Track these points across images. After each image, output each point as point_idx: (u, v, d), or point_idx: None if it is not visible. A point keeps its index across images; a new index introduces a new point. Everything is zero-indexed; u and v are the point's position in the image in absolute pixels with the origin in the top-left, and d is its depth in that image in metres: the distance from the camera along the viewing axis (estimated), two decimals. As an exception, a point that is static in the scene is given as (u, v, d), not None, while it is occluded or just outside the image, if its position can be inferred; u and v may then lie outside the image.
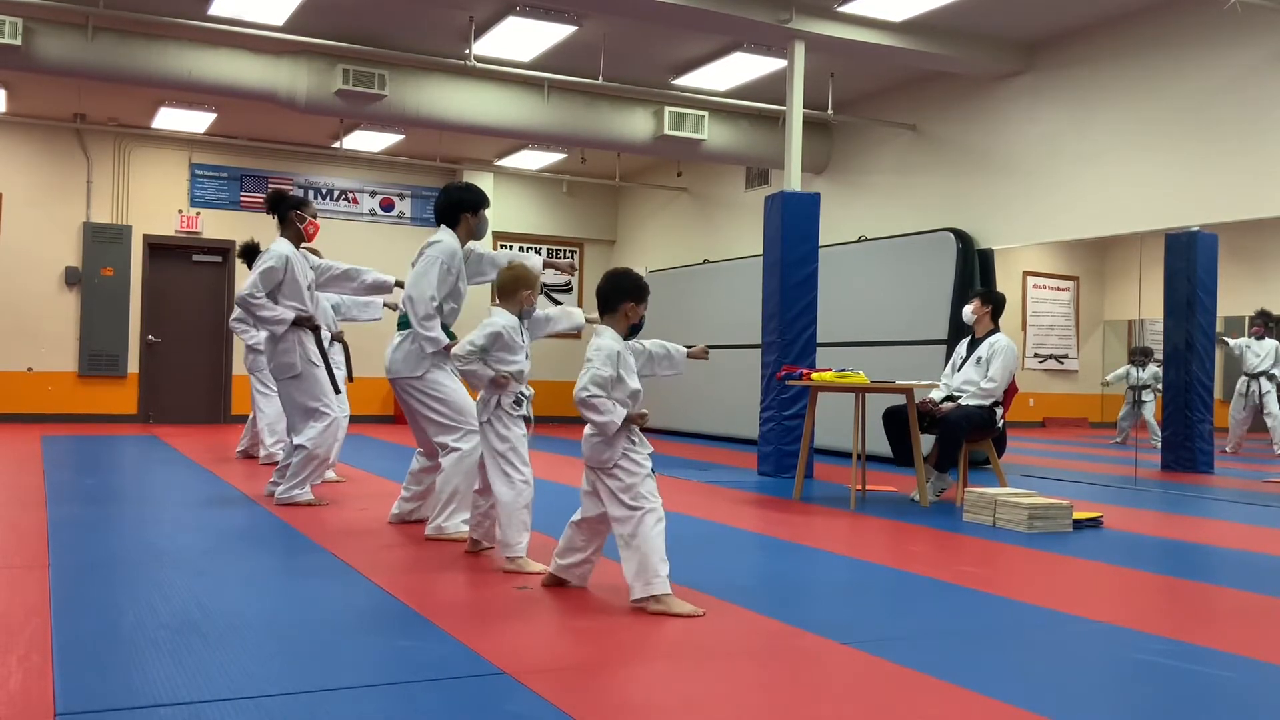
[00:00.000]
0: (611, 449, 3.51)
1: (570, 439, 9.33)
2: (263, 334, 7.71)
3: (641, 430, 3.62)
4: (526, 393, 4.19)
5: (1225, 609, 3.85)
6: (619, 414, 3.49)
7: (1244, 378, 11.02)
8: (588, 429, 3.58)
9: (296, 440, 5.69)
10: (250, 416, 8.39)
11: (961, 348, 6.87)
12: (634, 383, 3.62)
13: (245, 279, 5.83)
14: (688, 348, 4.04)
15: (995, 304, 6.83)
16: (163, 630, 3.06)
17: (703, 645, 3.07)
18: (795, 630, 3.27)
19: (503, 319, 4.16)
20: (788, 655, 3.02)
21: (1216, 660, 3.03)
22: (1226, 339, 11.06)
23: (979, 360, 6.61)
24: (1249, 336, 11.18)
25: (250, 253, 7.47)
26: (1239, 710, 2.66)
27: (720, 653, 3.01)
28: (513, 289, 4.24)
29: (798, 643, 3.15)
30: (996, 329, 6.76)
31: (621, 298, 3.68)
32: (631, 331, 3.71)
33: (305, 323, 5.69)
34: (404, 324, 4.87)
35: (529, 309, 4.29)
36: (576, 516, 3.69)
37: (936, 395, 6.69)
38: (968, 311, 6.79)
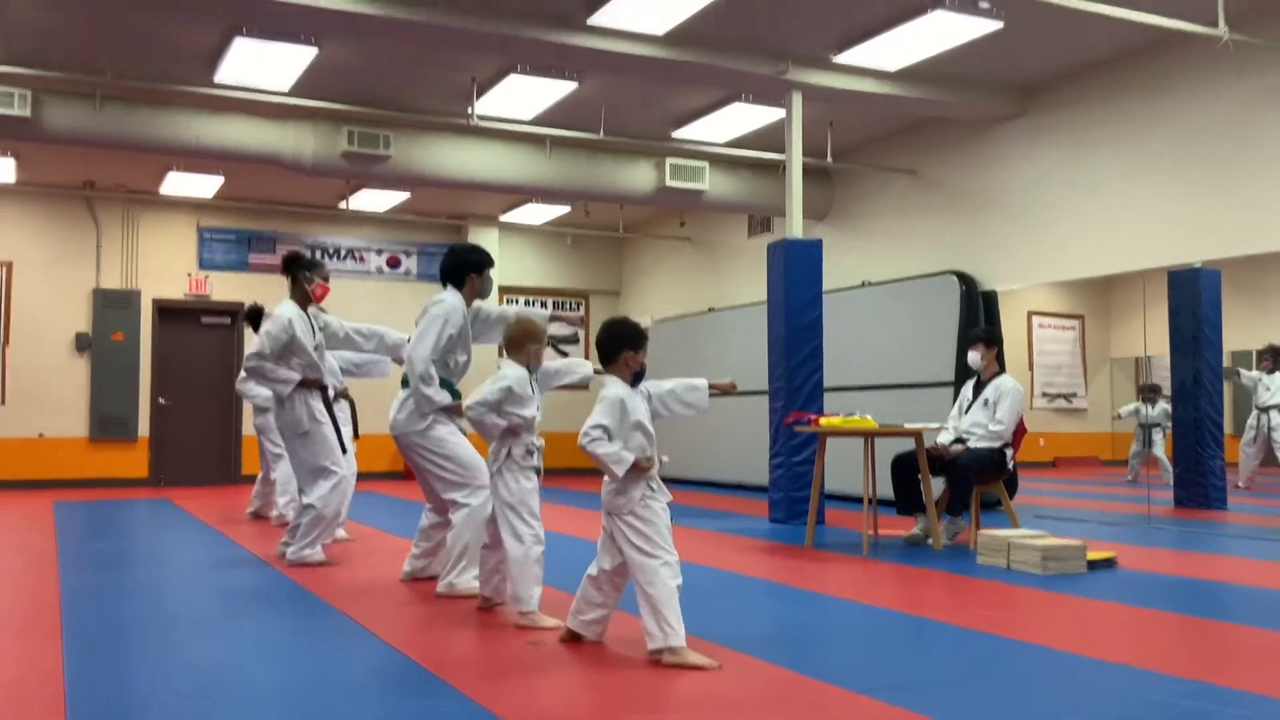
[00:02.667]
0: (626, 495, 3.52)
1: (581, 490, 9.32)
2: (266, 392, 7.78)
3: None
4: (537, 443, 4.20)
5: (1244, 647, 3.82)
6: (626, 458, 3.50)
7: (1255, 412, 10.98)
8: (606, 477, 3.59)
9: (305, 500, 5.69)
10: (259, 477, 8.40)
11: (967, 390, 6.87)
12: (643, 429, 3.63)
13: (253, 343, 5.86)
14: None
15: (999, 344, 6.85)
16: (176, 697, 3.06)
17: (719, 698, 3.05)
18: (812, 681, 3.24)
19: (513, 371, 4.18)
20: (805, 707, 3.00)
21: (1237, 700, 3.00)
22: (1239, 370, 11.04)
23: (986, 403, 6.61)
24: (1259, 370, 11.14)
25: (255, 316, 7.53)
26: (1261, 751, 2.63)
27: (737, 705, 2.99)
28: (520, 343, 4.27)
29: (815, 695, 3.12)
30: (1001, 370, 6.77)
31: (620, 347, 3.70)
32: (634, 379, 3.73)
33: (312, 383, 5.73)
34: (406, 381, 4.90)
35: (535, 364, 4.31)
36: (593, 570, 3.67)
37: (945, 439, 6.68)
38: (975, 358, 6.78)
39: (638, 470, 3.51)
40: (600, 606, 3.68)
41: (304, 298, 5.82)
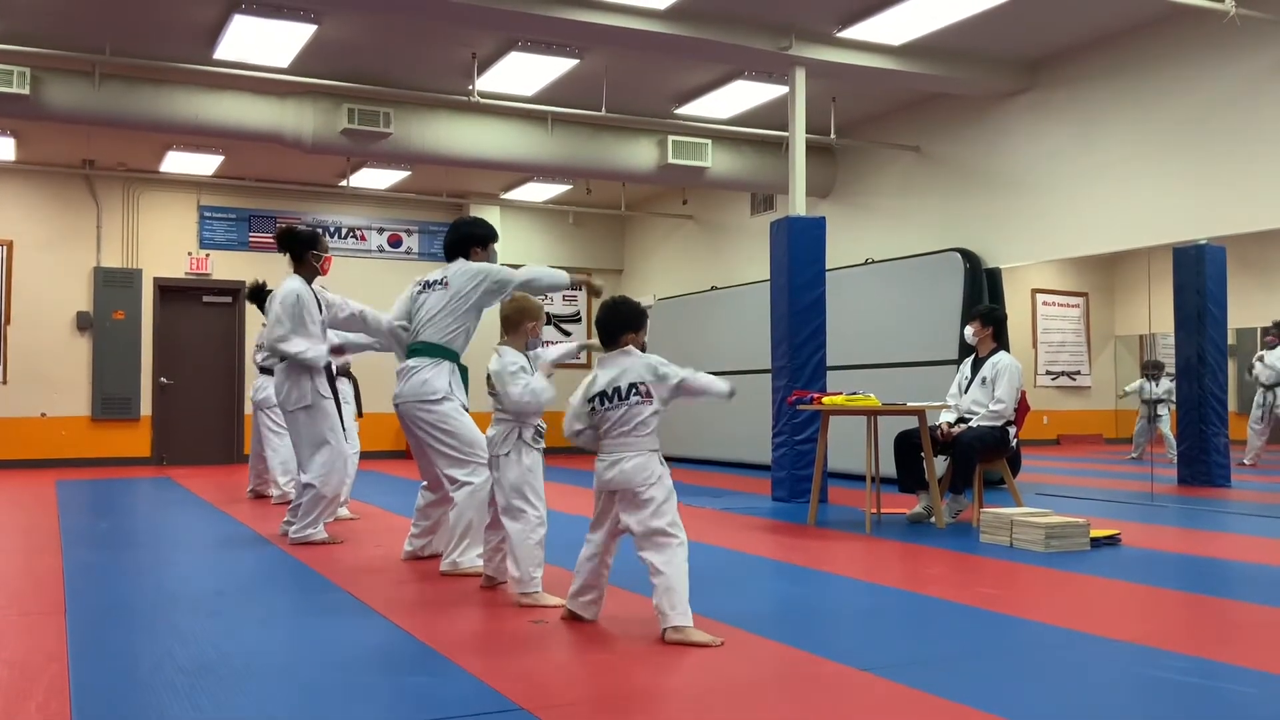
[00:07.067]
0: (648, 469, 3.50)
1: (581, 469, 9.32)
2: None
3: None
4: (542, 426, 4.18)
5: (1248, 625, 3.81)
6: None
7: (1260, 390, 10.96)
8: (611, 456, 3.55)
9: (305, 478, 5.67)
10: (252, 454, 8.38)
11: (965, 368, 6.86)
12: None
13: (267, 323, 5.80)
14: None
15: (996, 323, 6.82)
16: (180, 674, 3.06)
17: (722, 675, 3.05)
18: (814, 658, 3.24)
19: (514, 358, 4.12)
20: (808, 683, 3.00)
21: (1240, 677, 3.00)
22: (1258, 360, 10.96)
23: (984, 381, 6.59)
24: (1263, 348, 11.11)
25: (257, 294, 7.47)
26: (1266, 728, 2.62)
27: (740, 682, 2.99)
28: (518, 320, 4.21)
29: (817, 670, 3.13)
30: (999, 348, 6.75)
31: (623, 329, 3.67)
32: None
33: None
34: (413, 352, 4.86)
35: (534, 339, 4.27)
36: (586, 553, 3.67)
37: (947, 418, 6.66)
38: (969, 332, 6.79)
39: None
40: (596, 589, 3.68)
41: (311, 273, 5.78)
